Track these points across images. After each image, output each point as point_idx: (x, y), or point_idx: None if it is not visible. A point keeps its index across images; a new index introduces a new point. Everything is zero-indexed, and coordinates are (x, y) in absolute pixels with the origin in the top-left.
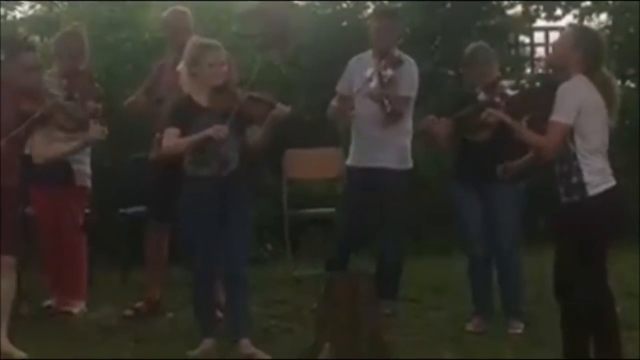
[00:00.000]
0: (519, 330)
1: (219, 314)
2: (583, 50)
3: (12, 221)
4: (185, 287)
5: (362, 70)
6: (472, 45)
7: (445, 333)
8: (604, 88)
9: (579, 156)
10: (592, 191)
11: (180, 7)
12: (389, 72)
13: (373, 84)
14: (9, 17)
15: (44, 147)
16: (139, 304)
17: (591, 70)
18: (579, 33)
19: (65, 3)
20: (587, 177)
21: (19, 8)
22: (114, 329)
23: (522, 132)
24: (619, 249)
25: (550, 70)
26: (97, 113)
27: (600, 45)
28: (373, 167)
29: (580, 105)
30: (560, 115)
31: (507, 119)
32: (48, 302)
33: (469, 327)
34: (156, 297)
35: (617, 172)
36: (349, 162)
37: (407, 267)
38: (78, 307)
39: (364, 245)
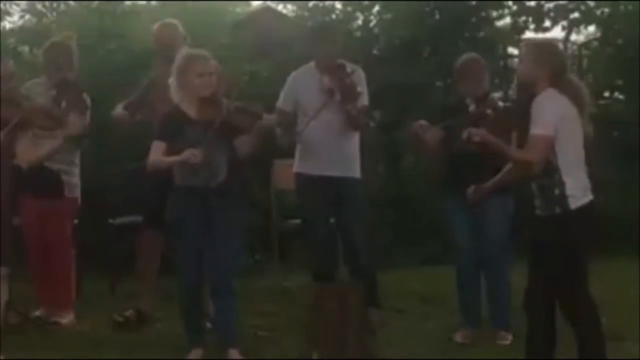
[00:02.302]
0: (507, 342)
1: (208, 325)
2: (546, 64)
3: (3, 231)
4: (175, 298)
5: (309, 85)
6: (464, 56)
7: (432, 343)
8: (575, 96)
9: (561, 168)
10: (573, 204)
11: (171, 20)
12: (353, 81)
13: (338, 99)
14: None
15: (28, 152)
16: (128, 312)
17: (558, 82)
18: (539, 48)
19: (55, 14)
20: (569, 190)
21: (9, 19)
22: (102, 339)
23: (506, 150)
24: (613, 262)
25: (518, 89)
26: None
27: (561, 56)
28: (331, 175)
29: (558, 117)
30: (540, 127)
31: (490, 138)
32: (37, 313)
33: (457, 338)
34: (146, 307)
35: (608, 184)
36: (302, 169)
37: (395, 278)
38: (67, 318)
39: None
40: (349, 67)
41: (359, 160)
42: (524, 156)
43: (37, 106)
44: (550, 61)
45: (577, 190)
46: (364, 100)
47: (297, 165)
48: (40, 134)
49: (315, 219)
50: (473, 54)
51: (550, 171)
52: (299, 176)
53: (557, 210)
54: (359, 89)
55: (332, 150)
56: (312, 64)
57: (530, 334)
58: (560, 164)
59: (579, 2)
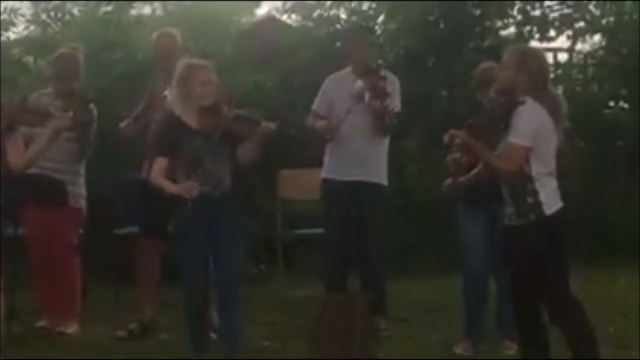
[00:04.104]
0: (512, 352)
1: (213, 335)
2: (528, 71)
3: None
4: (179, 308)
5: (343, 88)
6: (482, 65)
7: (437, 353)
8: (552, 108)
9: (535, 178)
10: (548, 211)
11: (170, 29)
12: (385, 85)
13: (368, 99)
14: (3, 38)
15: (17, 155)
16: (132, 325)
17: (538, 91)
18: (523, 54)
19: (60, 24)
20: (543, 198)
21: (13, 29)
22: (107, 350)
23: (485, 154)
24: (618, 270)
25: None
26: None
27: (544, 64)
28: (353, 180)
29: (537, 128)
30: (520, 137)
31: (471, 141)
32: (41, 323)
33: (457, 350)
34: (149, 318)
35: (611, 194)
36: (328, 175)
37: (400, 287)
38: (71, 328)
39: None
40: (383, 71)
41: (386, 167)
42: (502, 163)
43: (18, 104)
44: (531, 69)
45: (550, 198)
46: (396, 106)
47: (325, 170)
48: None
49: (336, 228)
50: (491, 63)
51: (523, 180)
52: (326, 182)
53: (532, 217)
54: (388, 89)
55: (360, 155)
56: (348, 69)
57: (523, 339)
58: (534, 173)
59: (584, 9)
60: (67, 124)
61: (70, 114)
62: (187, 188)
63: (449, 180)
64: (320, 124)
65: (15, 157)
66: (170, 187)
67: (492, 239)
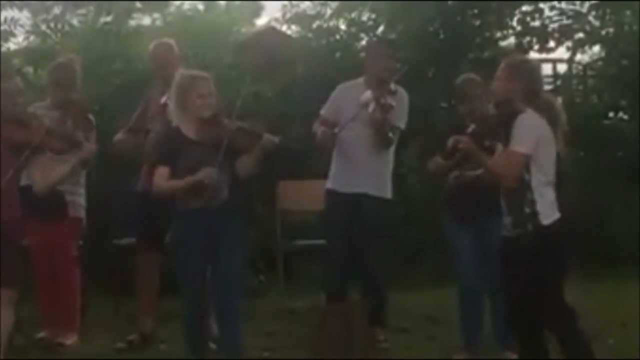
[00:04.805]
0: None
1: (213, 346)
2: (519, 81)
3: (13, 255)
4: (178, 319)
5: (352, 97)
6: (460, 77)
7: None
8: (550, 116)
9: (533, 187)
10: (545, 221)
11: (166, 39)
12: (390, 100)
13: (371, 109)
14: (3, 49)
15: (43, 174)
16: (132, 336)
17: (533, 99)
18: (513, 65)
19: (59, 34)
20: (540, 208)
21: (13, 40)
22: None
23: (485, 161)
24: (617, 281)
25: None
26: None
27: (534, 73)
28: (356, 192)
29: (539, 137)
30: (521, 145)
31: (474, 147)
32: (42, 334)
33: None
34: (149, 329)
35: (611, 205)
36: (332, 186)
37: (400, 298)
38: (71, 339)
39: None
40: (393, 85)
41: (390, 180)
42: (500, 170)
43: (50, 129)
44: (522, 78)
45: (547, 208)
46: (399, 122)
47: (330, 181)
48: (54, 156)
49: (338, 239)
50: (471, 75)
51: (521, 188)
52: (329, 193)
53: (529, 227)
54: (392, 103)
55: (363, 167)
56: (361, 79)
57: (522, 348)
58: (533, 183)
59: (584, 20)
60: (93, 154)
61: (94, 145)
62: (205, 174)
63: (456, 172)
64: (320, 131)
65: (40, 178)
66: (180, 184)
67: (483, 251)
